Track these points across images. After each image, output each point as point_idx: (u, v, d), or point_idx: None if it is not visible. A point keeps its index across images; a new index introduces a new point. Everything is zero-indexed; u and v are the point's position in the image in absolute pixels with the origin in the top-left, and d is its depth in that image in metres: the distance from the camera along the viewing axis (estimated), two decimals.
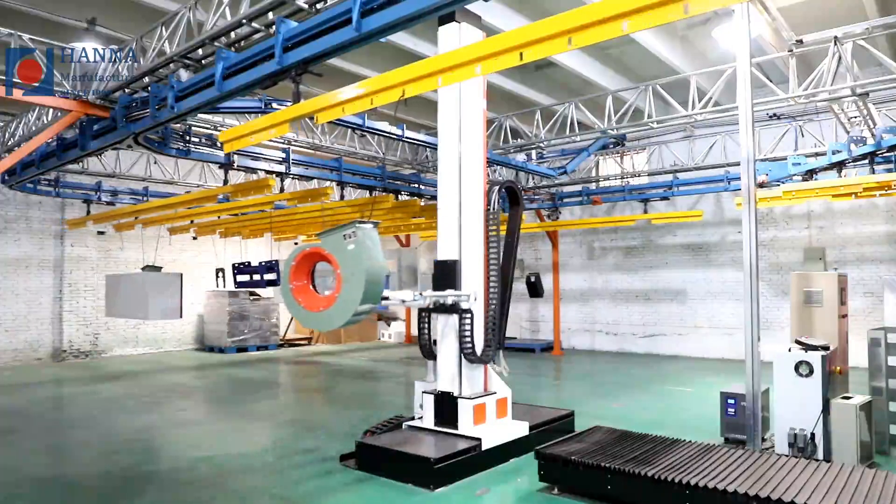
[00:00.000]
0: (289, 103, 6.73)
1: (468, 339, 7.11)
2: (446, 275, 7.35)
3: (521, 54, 4.55)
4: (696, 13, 3.84)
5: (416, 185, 14.92)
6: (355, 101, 5.75)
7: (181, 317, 12.55)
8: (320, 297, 6.14)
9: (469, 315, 7.12)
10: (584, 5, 4.27)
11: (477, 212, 7.51)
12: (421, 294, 6.86)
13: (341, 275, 5.71)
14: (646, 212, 15.83)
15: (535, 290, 12.95)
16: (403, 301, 6.69)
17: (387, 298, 6.55)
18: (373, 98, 5.59)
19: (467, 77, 5.22)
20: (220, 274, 14.39)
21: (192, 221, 15.83)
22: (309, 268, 6.26)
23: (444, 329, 7.37)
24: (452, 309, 7.19)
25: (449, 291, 7.18)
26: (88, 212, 15.28)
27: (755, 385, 6.41)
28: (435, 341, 7.55)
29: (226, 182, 12.36)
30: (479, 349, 7.25)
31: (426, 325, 7.59)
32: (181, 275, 12.30)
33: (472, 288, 7.34)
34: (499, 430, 7.23)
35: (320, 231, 6.16)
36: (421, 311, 7.60)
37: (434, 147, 11.87)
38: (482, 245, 7.49)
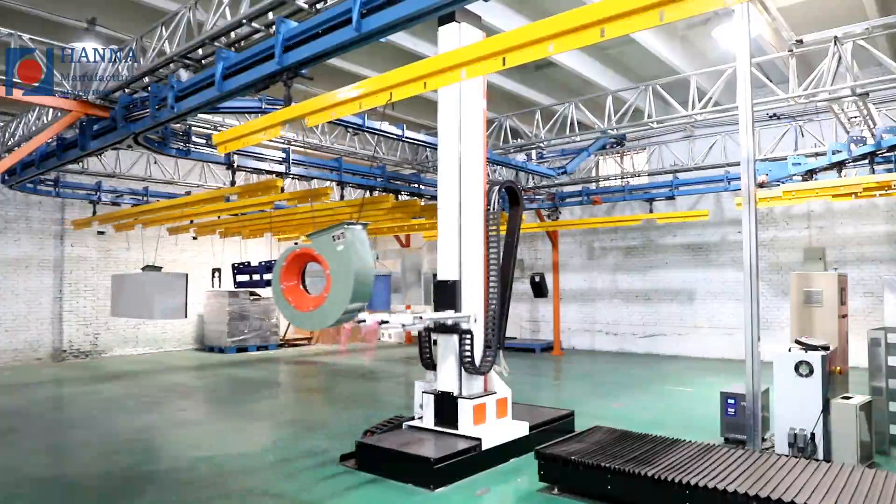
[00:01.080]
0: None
1: (468, 357, 7.14)
2: (446, 295, 7.35)
3: (503, 59, 4.62)
4: (671, 20, 3.92)
5: (416, 185, 14.92)
6: (345, 105, 5.80)
7: (186, 317, 12.57)
8: (310, 296, 6.19)
9: (469, 336, 7.13)
10: (567, 11, 4.31)
11: (477, 212, 7.51)
12: (420, 317, 6.86)
13: (330, 275, 5.77)
14: (651, 212, 15.81)
15: (539, 290, 13.04)
16: (403, 325, 6.68)
17: (387, 322, 6.58)
18: (361, 102, 5.65)
19: (453, 81, 5.32)
20: (217, 274, 14.39)
21: (191, 221, 15.83)
22: (299, 268, 6.31)
23: (444, 350, 7.38)
24: (453, 330, 7.20)
25: (449, 313, 7.18)
26: (94, 212, 15.27)
27: (755, 385, 6.42)
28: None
29: (233, 183, 12.38)
30: (477, 360, 7.27)
31: (427, 338, 7.61)
32: (186, 275, 12.31)
33: (472, 309, 7.33)
34: (499, 430, 7.23)
35: (310, 232, 6.21)
36: (421, 337, 7.62)
37: (434, 147, 11.87)
38: (482, 262, 7.47)
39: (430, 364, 7.62)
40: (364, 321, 6.43)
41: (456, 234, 7.46)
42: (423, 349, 7.63)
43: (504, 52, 4.60)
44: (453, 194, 7.48)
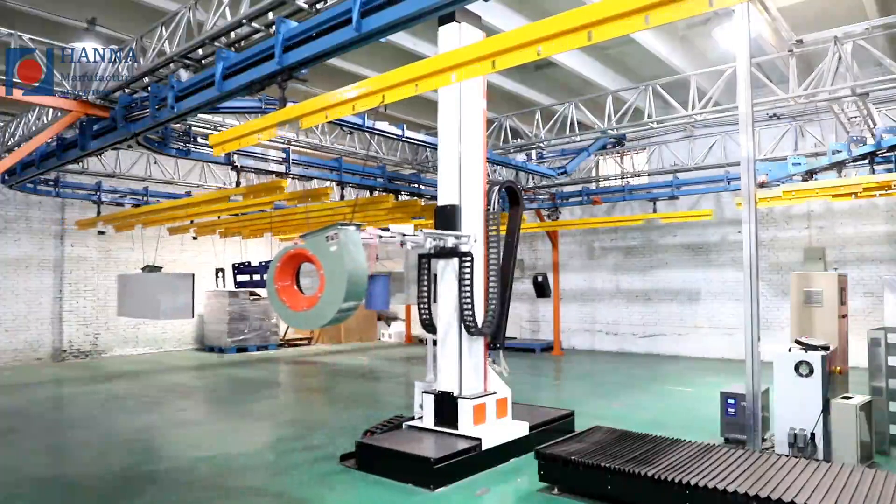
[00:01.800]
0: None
1: (468, 290, 7.06)
2: (446, 220, 7.36)
3: (493, 62, 4.66)
4: (656, 24, 3.96)
5: (416, 185, 14.91)
6: (339, 107, 5.82)
7: (193, 316, 12.58)
8: (304, 296, 6.24)
9: (469, 259, 7.10)
10: (563, 12, 4.32)
11: (477, 212, 7.51)
12: (421, 231, 6.88)
13: (324, 275, 5.81)
14: (654, 211, 15.80)
15: (542, 290, 13.01)
16: (404, 234, 6.72)
17: (387, 229, 6.66)
18: (355, 104, 5.67)
19: (444, 84, 5.34)
20: (220, 274, 14.39)
21: (192, 221, 15.82)
22: (293, 268, 6.36)
23: (444, 272, 7.39)
24: (452, 253, 7.18)
25: (449, 233, 7.20)
26: (99, 212, 15.25)
27: (755, 385, 6.42)
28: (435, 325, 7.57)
29: (238, 184, 12.36)
30: (479, 320, 7.20)
31: (426, 297, 7.56)
32: (193, 275, 12.30)
33: (472, 229, 7.34)
34: (499, 430, 7.24)
35: (305, 233, 6.26)
36: (421, 268, 7.52)
37: (434, 147, 11.86)
38: (483, 263, 7.46)
39: (429, 325, 7.58)
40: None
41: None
42: (422, 304, 7.55)
43: (494, 55, 4.64)
44: (453, 194, 7.48)
